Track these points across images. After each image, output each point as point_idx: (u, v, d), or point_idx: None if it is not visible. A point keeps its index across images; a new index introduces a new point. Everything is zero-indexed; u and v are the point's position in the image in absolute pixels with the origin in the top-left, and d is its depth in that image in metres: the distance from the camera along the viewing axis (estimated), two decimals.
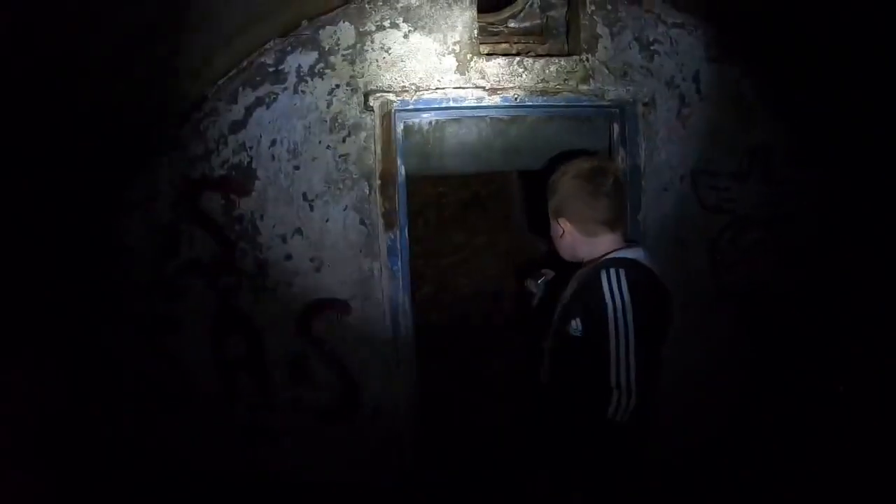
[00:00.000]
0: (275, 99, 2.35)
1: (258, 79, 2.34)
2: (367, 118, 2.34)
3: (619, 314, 1.56)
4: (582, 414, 1.65)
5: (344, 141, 2.35)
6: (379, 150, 2.34)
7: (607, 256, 1.72)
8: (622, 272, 1.61)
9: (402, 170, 2.39)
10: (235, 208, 2.40)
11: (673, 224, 2.61)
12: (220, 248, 2.43)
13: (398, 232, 2.35)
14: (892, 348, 2.55)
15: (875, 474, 2.39)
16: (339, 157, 2.35)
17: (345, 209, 2.36)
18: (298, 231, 2.39)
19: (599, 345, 1.58)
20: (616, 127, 2.54)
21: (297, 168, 2.37)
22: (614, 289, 1.58)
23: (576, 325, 1.67)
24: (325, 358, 2.45)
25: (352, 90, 2.35)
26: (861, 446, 2.54)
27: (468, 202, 4.66)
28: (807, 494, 2.49)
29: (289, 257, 2.40)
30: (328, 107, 2.36)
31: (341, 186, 2.36)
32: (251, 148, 2.37)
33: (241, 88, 2.34)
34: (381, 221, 2.35)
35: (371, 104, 2.33)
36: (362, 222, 2.37)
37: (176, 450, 2.51)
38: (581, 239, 1.78)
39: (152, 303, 2.44)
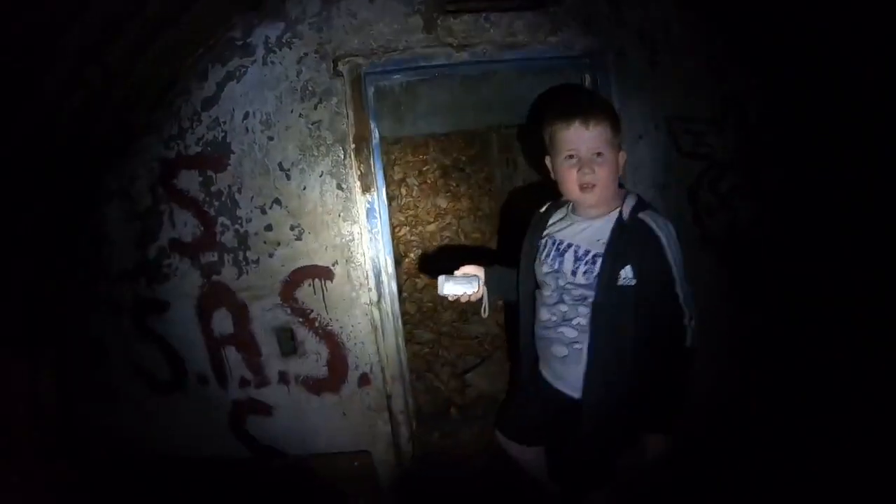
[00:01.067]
0: (244, 72, 2.34)
1: (227, 53, 2.33)
2: (338, 83, 2.33)
3: (674, 248, 1.59)
4: (666, 360, 1.62)
5: (316, 108, 2.34)
6: (351, 115, 2.33)
7: (629, 199, 1.69)
8: (656, 210, 1.66)
9: (376, 133, 2.38)
10: (213, 184, 2.41)
11: (651, 170, 2.62)
12: (200, 225, 2.44)
13: (375, 194, 2.36)
14: (872, 289, 2.56)
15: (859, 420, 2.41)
16: (312, 124, 2.35)
17: (321, 175, 2.37)
18: (277, 201, 2.39)
19: (658, 284, 1.59)
20: (587, 77, 2.52)
21: (271, 139, 2.36)
22: (661, 225, 1.60)
23: (626, 274, 1.59)
24: (311, 326, 2.47)
25: (320, 57, 2.34)
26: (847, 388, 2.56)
27: (449, 167, 4.66)
28: (789, 442, 2.52)
29: (269, 228, 2.41)
30: (298, 75, 2.34)
31: (316, 153, 2.36)
32: (224, 122, 2.37)
33: (210, 65, 2.33)
34: (357, 185, 2.35)
35: (340, 69, 2.32)
36: (339, 187, 2.37)
37: (171, 435, 2.54)
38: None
39: (138, 287, 2.45)
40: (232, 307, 2.49)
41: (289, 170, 2.37)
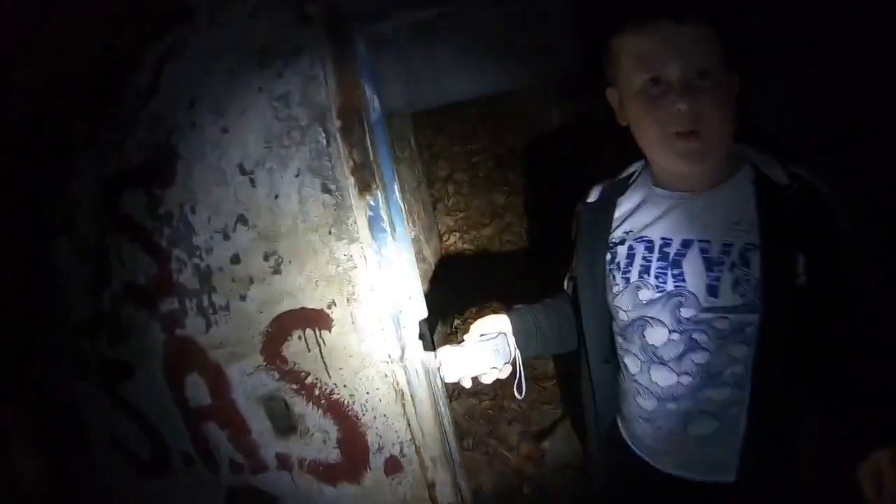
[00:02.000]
0: (185, 46, 1.61)
1: (162, 24, 1.62)
2: (308, 35, 1.55)
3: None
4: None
5: (281, 75, 1.57)
6: (332, 79, 1.53)
7: (751, 150, 1.04)
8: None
9: (376, 101, 1.59)
10: (160, 204, 1.70)
11: None
12: (153, 261, 1.75)
13: (380, 193, 1.54)
14: None
15: None
16: (277, 100, 1.57)
17: (297, 175, 1.58)
18: (241, 219, 1.64)
19: (835, 282, 0.95)
20: None
21: (225, 131, 1.62)
22: (824, 186, 0.95)
23: (799, 270, 0.94)
24: (310, 395, 1.70)
25: (280, 1, 1.56)
26: None
27: (504, 156, 3.82)
28: None
29: (236, 259, 1.66)
30: (253, 34, 1.58)
31: (287, 143, 1.58)
32: (165, 118, 1.65)
33: (144, 44, 1.63)
34: (351, 182, 1.55)
35: (310, 13, 1.53)
36: (325, 189, 1.57)
37: None
38: None
39: (99, 344, 1.85)
40: (204, 371, 1.78)
41: (252, 172, 1.61)
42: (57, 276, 1.83)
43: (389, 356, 1.64)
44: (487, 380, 1.10)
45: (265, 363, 1.71)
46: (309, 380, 1.70)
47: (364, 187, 1.51)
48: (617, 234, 1.13)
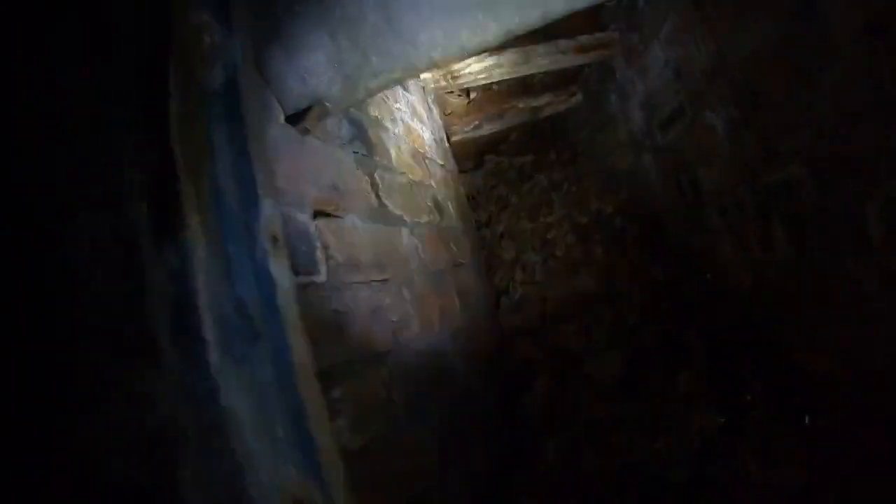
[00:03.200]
0: None
1: None
2: None
3: None
4: None
5: None
6: None
7: None
8: None
9: (235, 57, 0.71)
10: None
11: None
12: None
13: (196, 243, 0.61)
14: None
15: None
16: None
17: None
18: None
19: None
20: None
21: None
22: None
23: None
24: None
25: None
26: None
27: (587, 228, 2.84)
28: None
29: None
30: None
31: None
32: None
33: None
34: (142, 212, 0.63)
35: None
36: (115, 234, 0.67)
37: None
38: None
39: None
40: None
41: None
42: None
43: None
44: None
45: None
46: None
47: (161, 229, 0.60)
48: None
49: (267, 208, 0.70)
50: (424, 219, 1.78)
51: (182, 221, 0.60)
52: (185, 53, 0.67)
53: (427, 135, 2.31)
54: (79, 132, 0.62)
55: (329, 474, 0.65)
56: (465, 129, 3.13)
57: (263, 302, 0.64)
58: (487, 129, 3.19)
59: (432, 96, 2.72)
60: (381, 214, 1.37)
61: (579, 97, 3.18)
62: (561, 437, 2.24)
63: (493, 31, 0.86)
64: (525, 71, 2.50)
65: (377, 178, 1.41)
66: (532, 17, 0.86)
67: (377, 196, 1.37)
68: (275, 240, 0.70)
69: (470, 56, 1.11)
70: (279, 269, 0.68)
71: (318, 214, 1.00)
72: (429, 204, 1.91)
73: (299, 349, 0.65)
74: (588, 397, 2.31)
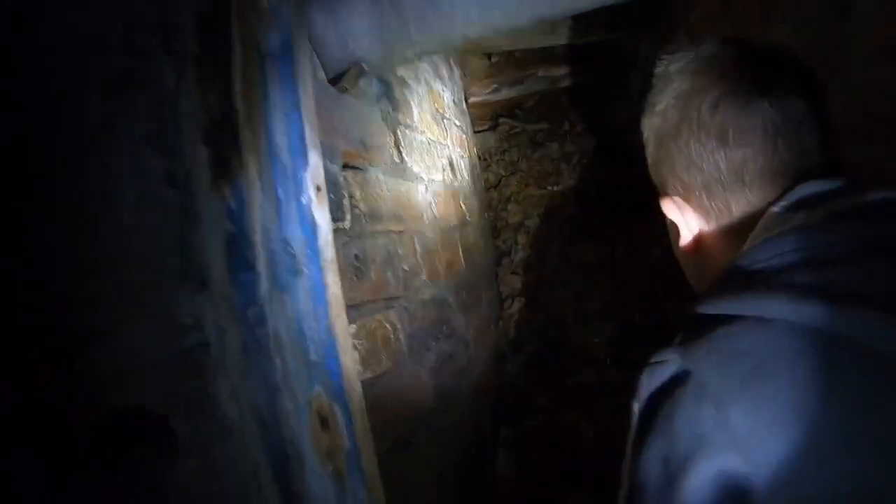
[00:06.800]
0: None
1: None
2: None
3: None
4: None
5: None
6: None
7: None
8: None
9: (285, 19, 0.78)
10: None
11: None
12: None
13: (251, 185, 0.70)
14: None
15: None
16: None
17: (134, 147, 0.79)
18: None
19: None
20: None
21: None
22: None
23: None
24: None
25: None
26: None
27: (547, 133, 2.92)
28: None
29: None
30: None
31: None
32: None
33: None
34: (203, 158, 0.72)
35: None
36: (168, 175, 0.76)
37: None
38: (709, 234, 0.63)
39: None
40: None
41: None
42: None
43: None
44: None
45: None
46: None
47: (221, 171, 0.69)
48: None
49: (313, 159, 0.79)
50: (439, 177, 1.87)
51: (241, 166, 0.69)
52: (244, 15, 0.75)
53: (447, 95, 2.37)
54: (143, 78, 0.71)
55: (350, 396, 0.76)
56: (485, 91, 3.18)
57: (306, 242, 0.74)
58: (506, 94, 3.24)
59: (455, 56, 2.76)
60: (401, 170, 1.45)
61: (600, 72, 3.21)
62: (548, 398, 2.38)
63: (527, 16, 0.93)
64: (550, 42, 2.53)
65: (399, 134, 1.49)
66: (562, 8, 0.93)
67: (399, 152, 1.46)
68: (318, 188, 0.79)
69: (502, 35, 1.18)
70: (321, 215, 0.77)
71: (346, 166, 1.09)
72: (444, 163, 1.99)
73: (333, 286, 0.75)
74: (577, 363, 2.44)
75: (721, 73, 0.58)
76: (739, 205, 0.57)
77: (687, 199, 0.62)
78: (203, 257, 0.69)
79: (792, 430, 0.39)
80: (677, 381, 0.47)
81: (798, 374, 0.41)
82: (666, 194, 0.65)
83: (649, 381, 0.50)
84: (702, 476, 0.42)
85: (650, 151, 0.66)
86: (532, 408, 2.36)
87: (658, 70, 0.65)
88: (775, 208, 0.53)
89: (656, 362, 0.51)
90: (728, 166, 0.57)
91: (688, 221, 0.63)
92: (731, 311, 0.47)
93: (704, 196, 0.60)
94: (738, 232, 0.57)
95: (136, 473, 0.68)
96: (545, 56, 3.11)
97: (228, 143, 0.70)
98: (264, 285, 0.67)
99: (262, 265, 0.67)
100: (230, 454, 0.72)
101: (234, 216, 0.68)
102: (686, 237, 0.63)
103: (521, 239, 2.97)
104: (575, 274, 2.72)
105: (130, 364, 0.67)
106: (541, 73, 3.14)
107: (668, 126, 0.62)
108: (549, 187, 3.18)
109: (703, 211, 0.61)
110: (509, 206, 3.14)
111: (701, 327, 0.49)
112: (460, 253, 1.98)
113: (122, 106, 0.65)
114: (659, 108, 0.63)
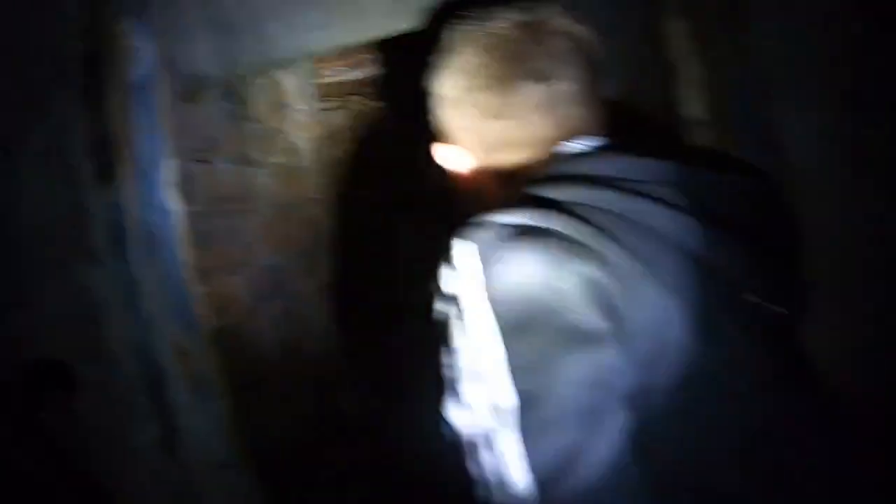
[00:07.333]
0: None
1: None
2: None
3: None
4: None
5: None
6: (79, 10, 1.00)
7: None
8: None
9: (149, 53, 1.06)
10: None
11: None
12: None
13: (129, 186, 1.00)
14: None
15: None
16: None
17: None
18: None
19: None
20: None
21: None
22: None
23: None
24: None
25: None
26: None
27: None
28: None
29: None
30: None
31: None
32: None
33: None
34: (90, 164, 0.99)
35: None
36: (66, 178, 1.02)
37: None
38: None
39: None
40: None
41: None
42: None
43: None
44: None
45: None
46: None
47: (103, 176, 0.97)
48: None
49: (168, 162, 1.08)
50: (281, 160, 2.15)
51: (118, 172, 0.97)
52: (117, 56, 1.02)
53: (292, 80, 2.61)
54: (42, 104, 0.96)
55: (200, 334, 1.09)
56: (336, 71, 3.41)
57: (165, 223, 1.04)
58: (358, 74, 3.49)
59: None
60: (242, 158, 1.74)
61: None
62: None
63: (335, 42, 1.28)
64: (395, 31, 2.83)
65: (241, 128, 1.76)
66: (358, 38, 1.29)
67: (241, 143, 1.74)
68: (172, 183, 1.09)
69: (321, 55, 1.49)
70: (174, 203, 1.07)
71: (197, 161, 1.37)
72: (284, 147, 2.27)
73: (186, 255, 1.06)
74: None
75: (503, 56, 0.68)
76: (510, 161, 0.71)
77: (467, 151, 0.75)
78: (93, 239, 0.98)
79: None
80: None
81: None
82: (446, 142, 0.78)
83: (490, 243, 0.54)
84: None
85: (434, 107, 0.78)
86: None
87: (455, 35, 0.74)
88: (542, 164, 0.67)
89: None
90: (499, 135, 0.71)
91: (467, 164, 0.76)
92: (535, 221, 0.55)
93: (481, 153, 0.74)
94: (509, 178, 0.71)
95: (47, 410, 0.97)
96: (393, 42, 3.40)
97: (108, 154, 0.97)
98: (136, 255, 0.97)
99: (135, 242, 0.97)
100: (118, 383, 1.02)
101: (111, 209, 0.97)
102: (465, 176, 0.77)
103: None
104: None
105: (42, 323, 0.95)
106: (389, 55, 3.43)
107: (455, 92, 0.73)
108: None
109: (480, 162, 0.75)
110: None
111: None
112: (303, 226, 2.28)
113: (30, 125, 0.91)
114: (448, 72, 0.74)
